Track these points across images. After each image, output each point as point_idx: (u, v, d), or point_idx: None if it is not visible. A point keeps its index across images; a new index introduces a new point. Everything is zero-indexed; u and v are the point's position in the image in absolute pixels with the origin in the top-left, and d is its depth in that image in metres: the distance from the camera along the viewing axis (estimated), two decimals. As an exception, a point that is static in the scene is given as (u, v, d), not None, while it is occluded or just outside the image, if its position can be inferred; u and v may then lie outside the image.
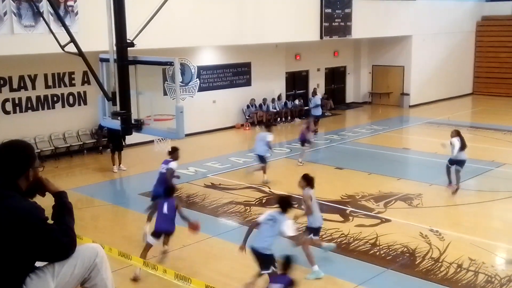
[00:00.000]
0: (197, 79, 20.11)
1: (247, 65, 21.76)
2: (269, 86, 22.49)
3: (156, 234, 8.68)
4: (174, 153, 10.61)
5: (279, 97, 22.74)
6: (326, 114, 23.63)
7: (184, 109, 7.66)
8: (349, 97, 27.01)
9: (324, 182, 14.07)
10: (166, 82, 18.52)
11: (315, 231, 9.07)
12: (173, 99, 8.73)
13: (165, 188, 9.16)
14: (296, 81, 24.16)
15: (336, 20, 21.50)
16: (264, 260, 7.59)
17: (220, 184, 13.91)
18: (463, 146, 12.57)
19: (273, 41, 20.38)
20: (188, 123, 8.43)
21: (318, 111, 20.35)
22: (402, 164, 16.59)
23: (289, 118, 22.75)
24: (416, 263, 9.21)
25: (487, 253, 9.60)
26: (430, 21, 26.28)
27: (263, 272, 7.67)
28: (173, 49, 15.75)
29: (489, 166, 15.14)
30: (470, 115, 24.95)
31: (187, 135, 9.11)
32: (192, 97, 19.78)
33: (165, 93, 18.26)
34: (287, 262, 7.25)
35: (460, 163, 12.71)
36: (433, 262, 9.20)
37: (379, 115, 24.66)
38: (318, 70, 25.03)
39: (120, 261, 7.54)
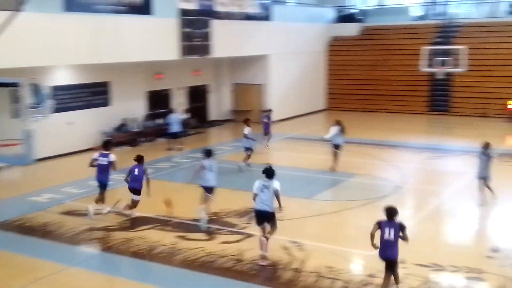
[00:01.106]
0: (51, 100, 18.98)
1: (106, 85, 21.08)
2: (129, 106, 21.98)
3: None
4: (108, 145, 12.81)
5: (142, 117, 22.31)
6: (189, 132, 23.67)
7: (36, 132, 7.16)
8: (212, 115, 27.28)
9: (188, 201, 14.00)
10: (14, 104, 17.23)
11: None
12: (21, 122, 8.15)
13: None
14: (158, 100, 23.87)
15: (195, 39, 21.67)
16: (270, 218, 10.03)
17: (77, 211, 13.18)
18: (342, 132, 16.85)
19: (132, 59, 19.99)
20: (41, 146, 7.91)
21: (175, 129, 20.51)
22: (265, 179, 17.00)
23: (151, 137, 22.36)
24: (278, 275, 9.44)
25: (344, 260, 10.13)
26: (285, 41, 27.57)
27: (272, 229, 10.05)
28: (25, 68, 14.78)
29: (344, 177, 16.07)
30: (324, 129, 26.31)
31: (41, 159, 8.53)
32: (45, 118, 18.60)
33: (14, 116, 16.99)
34: None
35: (337, 146, 16.86)
36: (294, 273, 9.49)
37: (242, 132, 25.12)
38: (180, 88, 24.99)
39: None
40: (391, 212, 8.44)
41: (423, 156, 19.28)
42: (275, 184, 10.09)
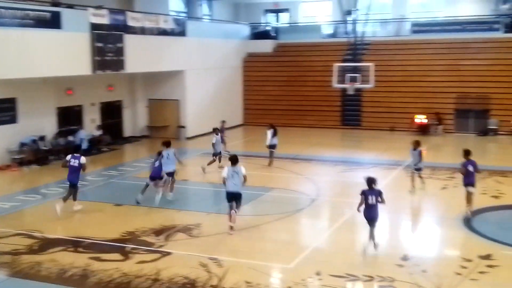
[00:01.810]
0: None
1: (12, 101, 20.07)
2: (38, 123, 21.02)
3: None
4: (79, 150, 14.69)
5: (53, 134, 21.43)
6: (102, 149, 23.08)
7: None
8: (127, 132, 26.68)
9: (102, 221, 13.62)
10: None
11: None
12: None
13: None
14: (69, 117, 23.03)
15: (108, 54, 21.18)
16: (239, 197, 12.32)
17: (-18, 234, 12.39)
18: (275, 134, 19.74)
19: (41, 75, 19.21)
20: None
21: (84, 145, 20.31)
22: (182, 195, 16.78)
23: (61, 155, 21.48)
24: (197, 293, 9.31)
25: (262, 274, 10.16)
26: (201, 56, 27.60)
27: (237, 205, 12.33)
28: None
29: (260, 192, 16.19)
30: (242, 144, 26.59)
31: None
32: None
33: None
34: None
35: (272, 146, 19.92)
36: (213, 290, 9.41)
37: (158, 148, 24.70)
38: (93, 104, 24.26)
39: None
40: (371, 182, 10.93)
41: (337, 169, 19.86)
42: (242, 169, 12.29)
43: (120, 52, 21.79)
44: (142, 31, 23.51)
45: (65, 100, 22.75)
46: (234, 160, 12.38)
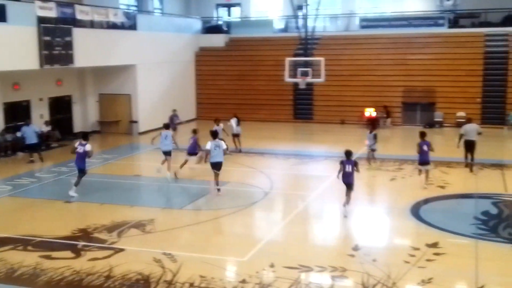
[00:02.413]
0: None
1: (-45, 97, 19.37)
2: (-17, 119, 20.36)
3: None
4: (87, 138, 15.20)
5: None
6: (52, 145, 22.56)
7: None
8: (77, 127, 26.09)
9: (53, 218, 13.35)
10: None
11: None
12: None
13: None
14: (17, 112, 22.36)
15: (56, 48, 20.65)
16: (221, 164, 15.12)
17: None
18: (238, 123, 21.46)
19: (-15, 69, 18.57)
20: None
21: (31, 140, 19.73)
22: (135, 191, 16.65)
23: (9, 152, 20.90)
24: (151, 288, 9.29)
25: (217, 268, 10.20)
26: (152, 51, 27.28)
27: (219, 170, 15.11)
28: None
29: (214, 186, 16.19)
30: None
31: None
32: None
33: None
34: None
35: (237, 135, 21.38)
36: (167, 285, 9.38)
37: (110, 143, 24.44)
38: (41, 99, 23.63)
39: None
40: (349, 154, 13.31)
41: (290, 162, 20.09)
42: (222, 143, 15.28)
43: (68, 46, 21.27)
44: (91, 24, 23.05)
45: (12, 95, 22.07)
46: (214, 134, 15.47)
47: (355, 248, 11.10)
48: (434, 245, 11.16)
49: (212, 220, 13.20)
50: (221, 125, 19.90)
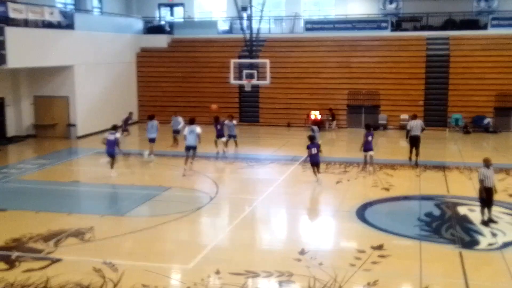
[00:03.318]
0: None
1: None
2: None
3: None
4: (116, 128, 17.78)
5: None
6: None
7: None
8: (11, 131, 24.88)
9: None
10: None
11: None
12: None
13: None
14: None
15: (-13, 47, 19.58)
16: (195, 148, 17.57)
17: None
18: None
19: None
20: None
21: None
22: (73, 197, 15.93)
23: None
24: (90, 301, 8.78)
25: (160, 276, 9.79)
26: (91, 51, 26.41)
27: (194, 155, 17.73)
28: None
29: (157, 191, 15.73)
30: (138, 142, 25.69)
31: None
32: None
33: None
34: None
35: (177, 132, 22.47)
36: (108, 296, 8.91)
37: (46, 148, 23.40)
38: (-29, 102, 22.38)
39: None
40: (312, 138, 16.65)
41: (236, 166, 19.81)
42: (198, 128, 17.59)
43: (1, 45, 20.20)
44: (26, 23, 22.03)
45: None
46: (191, 121, 17.84)
47: (302, 252, 10.94)
48: (379, 247, 11.16)
49: (155, 227, 12.72)
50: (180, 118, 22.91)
